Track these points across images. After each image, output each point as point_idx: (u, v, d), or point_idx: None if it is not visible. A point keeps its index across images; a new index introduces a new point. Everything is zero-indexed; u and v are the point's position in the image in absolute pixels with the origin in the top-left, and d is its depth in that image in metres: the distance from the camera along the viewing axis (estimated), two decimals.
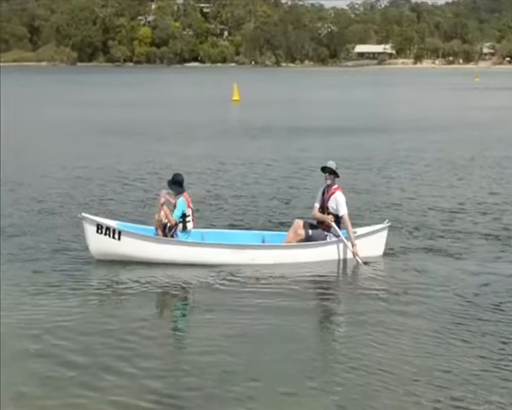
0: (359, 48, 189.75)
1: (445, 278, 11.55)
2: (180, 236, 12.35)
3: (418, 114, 44.79)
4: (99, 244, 12.13)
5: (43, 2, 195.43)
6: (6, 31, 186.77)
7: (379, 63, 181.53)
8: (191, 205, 12.44)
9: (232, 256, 12.10)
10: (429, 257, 12.75)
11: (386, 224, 12.84)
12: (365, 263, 12.25)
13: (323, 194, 12.65)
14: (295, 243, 12.45)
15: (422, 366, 8.30)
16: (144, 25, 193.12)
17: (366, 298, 10.72)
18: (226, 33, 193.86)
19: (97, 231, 12.05)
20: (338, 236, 12.46)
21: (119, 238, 12.08)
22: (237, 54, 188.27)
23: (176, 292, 11.08)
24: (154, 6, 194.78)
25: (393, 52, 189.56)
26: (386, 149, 27.52)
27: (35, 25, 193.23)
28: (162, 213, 12.27)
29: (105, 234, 12.06)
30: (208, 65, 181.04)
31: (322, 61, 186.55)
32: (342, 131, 34.34)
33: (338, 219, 12.46)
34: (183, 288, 11.24)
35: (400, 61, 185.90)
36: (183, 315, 10.60)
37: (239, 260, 12.07)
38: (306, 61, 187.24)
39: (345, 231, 12.45)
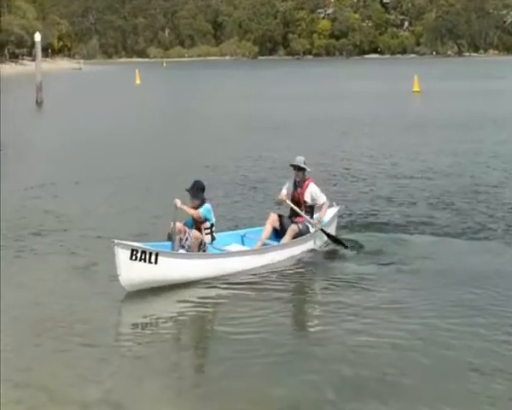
0: None
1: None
2: (210, 249, 11.56)
3: None
4: (133, 272, 10.45)
5: None
6: (192, 27, 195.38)
7: None
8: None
9: (255, 261, 11.63)
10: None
11: (336, 207, 13.47)
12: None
13: (295, 187, 12.52)
14: (301, 238, 12.28)
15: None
16: (324, 17, 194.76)
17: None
18: (406, 24, 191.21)
19: (131, 258, 10.42)
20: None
21: (155, 261, 10.58)
22: (417, 44, 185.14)
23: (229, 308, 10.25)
24: None
25: None
26: None
27: (218, 21, 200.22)
28: (194, 232, 11.36)
29: (140, 260, 10.46)
30: (387, 56, 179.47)
31: (508, 49, 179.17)
32: None
33: (312, 209, 12.54)
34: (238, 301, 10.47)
35: None
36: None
37: (261, 263, 11.67)
38: (491, 51, 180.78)
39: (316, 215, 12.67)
